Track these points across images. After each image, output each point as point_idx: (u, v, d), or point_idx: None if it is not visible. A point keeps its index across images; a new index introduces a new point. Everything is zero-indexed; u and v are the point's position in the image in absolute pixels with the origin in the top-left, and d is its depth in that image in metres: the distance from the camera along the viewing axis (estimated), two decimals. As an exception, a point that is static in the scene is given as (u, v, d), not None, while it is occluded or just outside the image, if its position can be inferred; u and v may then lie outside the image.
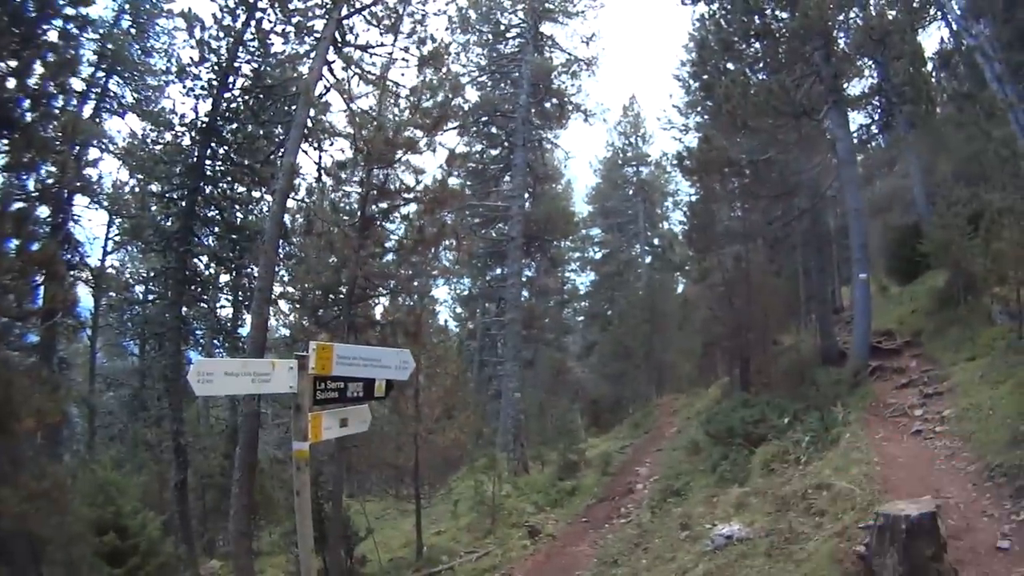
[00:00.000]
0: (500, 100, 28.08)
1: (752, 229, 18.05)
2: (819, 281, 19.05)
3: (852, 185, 15.77)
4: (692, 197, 22.08)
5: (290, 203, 14.23)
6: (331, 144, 15.35)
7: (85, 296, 19.84)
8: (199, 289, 18.76)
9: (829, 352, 16.44)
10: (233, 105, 17.97)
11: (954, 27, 18.83)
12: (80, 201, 17.67)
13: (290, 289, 13.85)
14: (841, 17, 15.71)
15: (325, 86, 14.80)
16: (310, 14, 15.96)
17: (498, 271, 30.91)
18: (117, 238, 22.65)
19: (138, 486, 13.13)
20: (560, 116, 28.25)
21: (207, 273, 19.26)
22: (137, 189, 19.90)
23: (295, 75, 16.97)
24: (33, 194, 9.06)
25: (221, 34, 17.09)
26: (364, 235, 12.01)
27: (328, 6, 15.33)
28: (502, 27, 28.09)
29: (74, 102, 16.64)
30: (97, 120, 19.33)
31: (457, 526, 15.28)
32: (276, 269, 14.56)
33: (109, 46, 19.24)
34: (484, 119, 28.65)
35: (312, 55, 15.49)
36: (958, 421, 9.59)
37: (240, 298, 19.80)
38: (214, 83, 17.31)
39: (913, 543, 4.68)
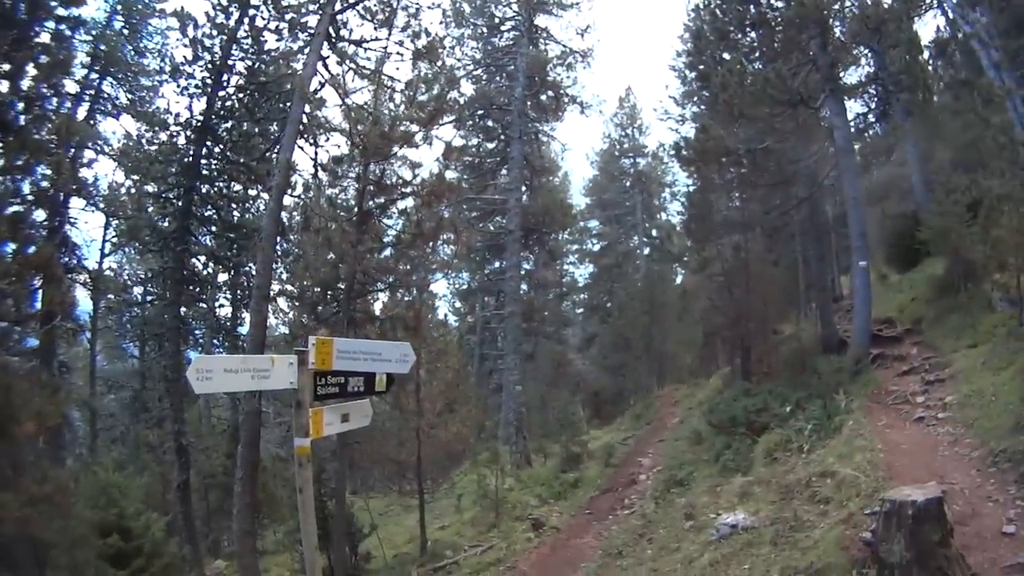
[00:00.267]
0: (496, 93, 27.92)
1: (750, 218, 18.04)
2: (818, 270, 19.04)
3: (850, 173, 15.75)
4: (690, 187, 22.14)
5: (287, 200, 14.22)
6: (327, 140, 15.39)
7: (84, 299, 19.85)
8: (197, 289, 18.72)
9: (830, 340, 16.45)
10: (228, 103, 17.92)
11: (950, 15, 18.79)
12: (76, 203, 17.67)
13: (289, 286, 13.81)
14: (837, 6, 15.60)
15: (320, 82, 14.74)
16: (303, 10, 15.93)
17: (496, 264, 30.76)
18: (114, 240, 22.59)
19: (141, 488, 13.08)
20: (556, 108, 28.07)
21: (205, 272, 19.22)
22: (133, 190, 19.86)
23: (289, 72, 16.88)
24: (29, 197, 9.02)
25: (214, 32, 17.05)
26: (362, 230, 11.97)
27: (322, 1, 15.28)
28: (497, 20, 27.92)
29: (68, 104, 16.66)
30: (91, 122, 19.23)
31: (461, 520, 15.26)
32: (274, 266, 14.54)
33: (102, 47, 19.11)
34: (480, 112, 28.45)
35: (306, 51, 15.40)
36: (960, 408, 9.60)
37: (239, 297, 19.78)
38: (208, 81, 17.25)
39: (920, 528, 4.65)
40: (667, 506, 11.09)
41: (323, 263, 12.58)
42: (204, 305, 19.59)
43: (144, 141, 19.23)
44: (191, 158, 17.44)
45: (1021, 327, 11.41)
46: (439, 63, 14.61)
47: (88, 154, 18.81)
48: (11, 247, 8.06)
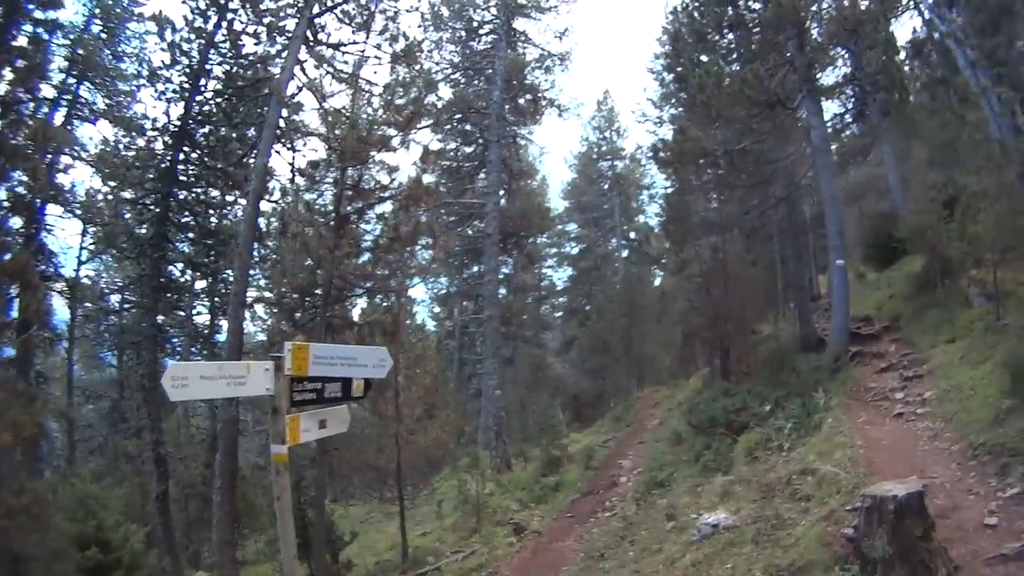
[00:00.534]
0: (474, 97, 27.81)
1: (728, 219, 18.07)
2: (796, 269, 19.17)
3: (827, 173, 15.88)
4: (668, 189, 22.09)
5: (264, 205, 14.14)
6: (304, 144, 15.27)
7: (61, 307, 19.54)
8: (175, 296, 18.59)
9: (808, 339, 16.56)
10: (205, 108, 17.83)
11: (926, 15, 18.98)
12: (53, 210, 17.27)
13: (266, 293, 13.72)
14: (814, 7, 15.75)
15: (297, 86, 14.68)
16: (281, 14, 15.84)
17: (475, 269, 30.77)
18: (91, 247, 22.33)
19: (119, 499, 12.98)
20: (534, 112, 28.01)
21: (183, 279, 19.07)
22: (110, 196, 19.60)
23: (267, 75, 16.76)
24: (5, 203, 8.90)
25: (192, 36, 16.96)
26: (339, 235, 11.89)
27: (300, 5, 15.20)
28: (475, 23, 27.87)
29: (44, 109, 16.51)
30: (68, 127, 18.92)
31: (442, 526, 15.19)
32: (251, 272, 14.44)
33: (79, 51, 18.86)
34: (458, 116, 28.32)
35: (284, 55, 15.34)
36: (939, 403, 9.68)
37: (216, 304, 19.59)
38: (186, 86, 17.16)
39: (902, 523, 4.67)
40: (648, 507, 11.07)
41: (301, 268, 12.48)
42: (182, 313, 19.45)
43: (121, 146, 19.16)
44: (168, 163, 17.33)
45: (998, 322, 11.51)
46: (417, 67, 14.61)
47: (65, 160, 18.48)
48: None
